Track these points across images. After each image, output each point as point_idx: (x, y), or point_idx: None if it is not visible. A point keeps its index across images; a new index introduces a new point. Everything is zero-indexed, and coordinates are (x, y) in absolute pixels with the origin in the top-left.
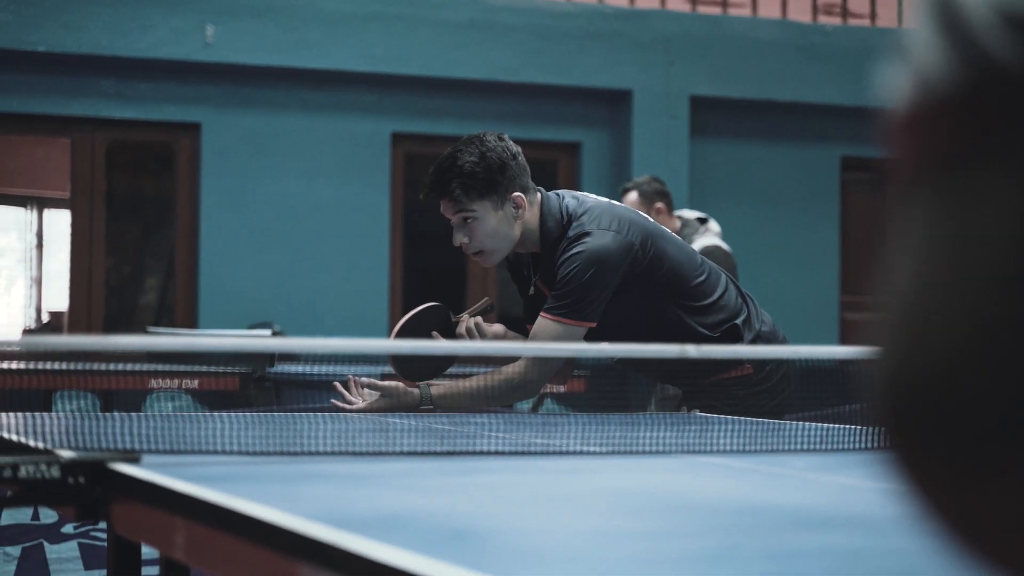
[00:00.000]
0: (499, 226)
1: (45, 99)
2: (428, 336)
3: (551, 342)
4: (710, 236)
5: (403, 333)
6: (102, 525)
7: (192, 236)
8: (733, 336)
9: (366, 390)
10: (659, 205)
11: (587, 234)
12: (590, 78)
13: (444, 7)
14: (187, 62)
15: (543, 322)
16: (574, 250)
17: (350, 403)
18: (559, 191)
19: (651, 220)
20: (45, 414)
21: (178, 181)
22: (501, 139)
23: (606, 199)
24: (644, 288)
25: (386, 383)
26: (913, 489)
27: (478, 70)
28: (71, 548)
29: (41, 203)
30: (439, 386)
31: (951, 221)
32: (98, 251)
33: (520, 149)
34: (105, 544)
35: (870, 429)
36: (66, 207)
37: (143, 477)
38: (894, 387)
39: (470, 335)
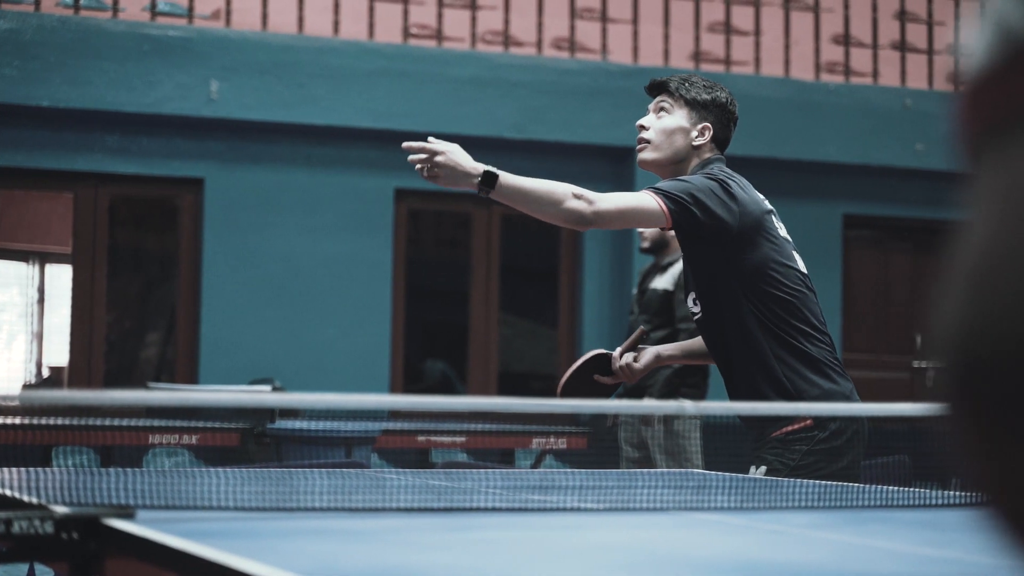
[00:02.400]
0: (678, 132)
1: (49, 154)
2: (592, 384)
3: (624, 196)
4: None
5: (567, 390)
6: None
7: (194, 291)
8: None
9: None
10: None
11: (708, 170)
12: (594, 135)
13: (449, 64)
14: (192, 118)
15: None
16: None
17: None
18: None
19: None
20: (40, 469)
21: (181, 236)
22: (732, 99)
23: None
24: (732, 267)
25: (450, 145)
26: (974, 457)
27: (483, 127)
28: None
29: (43, 258)
30: (505, 175)
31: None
32: (99, 306)
33: (737, 117)
34: None
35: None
36: (68, 262)
37: (137, 533)
38: (963, 349)
39: (623, 374)
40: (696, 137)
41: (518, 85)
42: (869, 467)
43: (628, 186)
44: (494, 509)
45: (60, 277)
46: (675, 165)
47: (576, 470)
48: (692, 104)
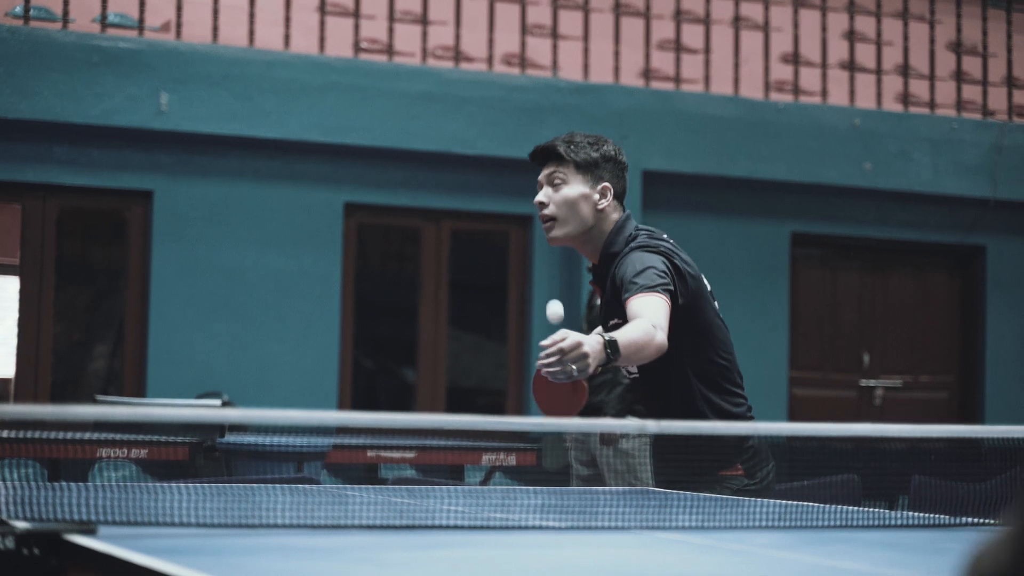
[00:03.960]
0: (580, 201)
1: None
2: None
3: (654, 309)
4: None
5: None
6: None
7: (142, 304)
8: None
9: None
10: None
11: (644, 240)
12: None
13: (399, 79)
14: (141, 130)
15: (632, 304)
16: (629, 247)
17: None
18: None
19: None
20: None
21: (129, 249)
22: (619, 149)
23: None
24: (680, 328)
25: (570, 333)
26: None
27: (432, 142)
28: None
29: None
30: (617, 336)
31: None
32: (47, 318)
33: (627, 166)
34: None
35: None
36: (15, 273)
37: (100, 549)
38: None
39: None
40: (599, 200)
41: (468, 100)
42: (819, 486)
43: None
44: (457, 527)
45: (6, 288)
46: (586, 234)
47: (536, 488)
48: (585, 166)
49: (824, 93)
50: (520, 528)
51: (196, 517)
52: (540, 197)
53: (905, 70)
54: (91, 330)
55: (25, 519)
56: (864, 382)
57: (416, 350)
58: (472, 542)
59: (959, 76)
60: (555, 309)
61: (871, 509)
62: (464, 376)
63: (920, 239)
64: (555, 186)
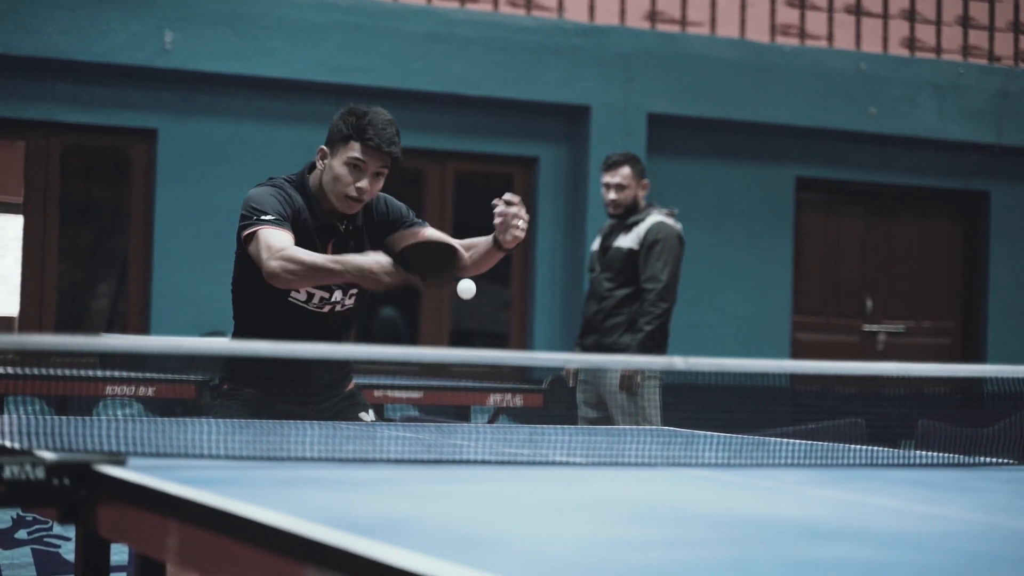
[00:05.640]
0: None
1: (0, 102)
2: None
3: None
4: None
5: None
6: (57, 531)
7: (146, 243)
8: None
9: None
10: (645, 182)
11: None
12: (549, 93)
13: (404, 19)
14: (145, 68)
15: (430, 230)
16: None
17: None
18: None
19: None
20: (24, 415)
21: (133, 187)
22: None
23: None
24: None
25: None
26: None
27: (437, 83)
28: (24, 554)
29: None
30: None
31: None
32: (51, 256)
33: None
34: (58, 551)
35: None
36: (18, 212)
37: (131, 479)
38: None
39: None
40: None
41: (473, 41)
42: (825, 429)
43: (583, 144)
44: (484, 462)
45: (9, 226)
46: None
47: (561, 426)
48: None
49: (830, 37)
50: (546, 464)
51: (225, 450)
52: (365, 184)
53: (911, 15)
54: (95, 269)
55: (52, 449)
56: (867, 327)
57: (417, 294)
58: (499, 476)
59: (965, 21)
60: (468, 286)
61: (892, 449)
62: (466, 319)
63: (924, 184)
64: (378, 179)
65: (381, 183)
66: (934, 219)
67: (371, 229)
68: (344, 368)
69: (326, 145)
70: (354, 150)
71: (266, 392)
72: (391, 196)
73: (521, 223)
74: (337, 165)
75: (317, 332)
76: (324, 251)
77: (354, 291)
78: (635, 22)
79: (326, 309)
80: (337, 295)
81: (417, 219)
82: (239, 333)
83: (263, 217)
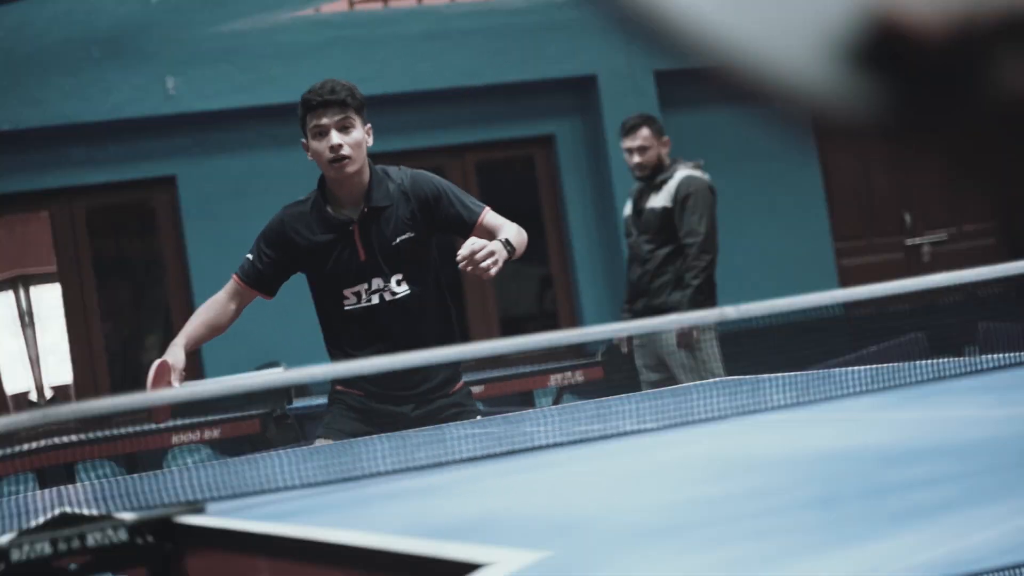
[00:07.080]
0: (363, 141)
1: (18, 176)
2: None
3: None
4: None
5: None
6: None
7: (184, 288)
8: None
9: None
10: (666, 139)
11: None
12: (553, 69)
13: (398, 22)
14: (153, 117)
15: (491, 216)
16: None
17: None
18: None
19: None
20: (96, 480)
21: (162, 236)
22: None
23: None
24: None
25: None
26: None
27: (441, 79)
28: None
29: (26, 281)
30: (508, 237)
31: None
32: (93, 319)
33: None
34: None
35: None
36: (54, 280)
37: (213, 525)
38: None
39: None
40: (368, 140)
41: (470, 33)
42: (886, 350)
43: (595, 113)
44: (558, 444)
45: (47, 297)
46: (355, 176)
47: (626, 395)
48: (361, 109)
49: None
50: (619, 435)
51: (299, 479)
52: (335, 140)
53: None
54: (138, 323)
55: (130, 509)
56: (909, 241)
57: (461, 286)
58: (575, 456)
59: None
60: None
61: (957, 358)
62: (512, 305)
63: None
64: (346, 131)
65: (356, 133)
66: None
67: (397, 203)
68: (445, 368)
69: (302, 140)
70: (309, 122)
71: (369, 394)
72: (418, 170)
73: (487, 262)
74: (311, 145)
75: (383, 327)
76: (347, 242)
77: (398, 276)
78: None
79: (375, 300)
80: (376, 283)
81: (473, 205)
82: (327, 343)
83: (243, 262)
